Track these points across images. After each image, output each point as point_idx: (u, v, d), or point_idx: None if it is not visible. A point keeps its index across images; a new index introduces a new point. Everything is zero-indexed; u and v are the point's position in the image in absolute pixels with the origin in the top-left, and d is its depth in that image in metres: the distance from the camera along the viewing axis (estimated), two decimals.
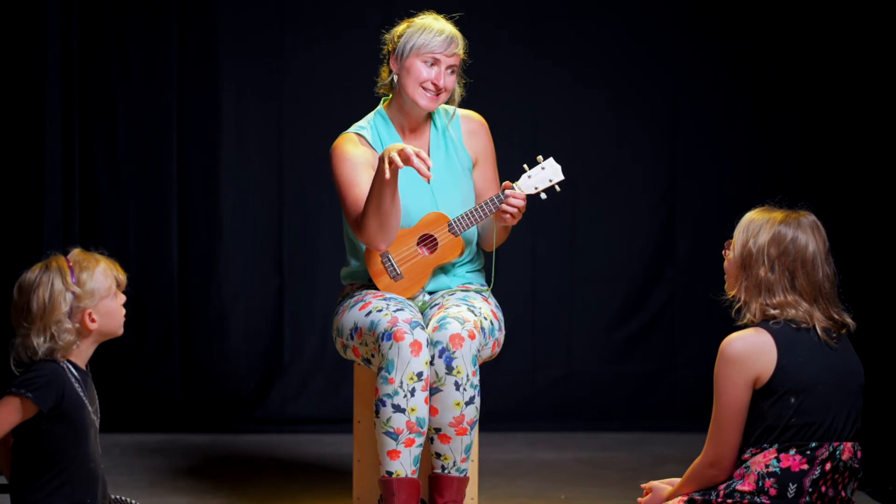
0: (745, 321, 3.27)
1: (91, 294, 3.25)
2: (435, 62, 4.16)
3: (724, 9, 6.03)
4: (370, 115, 4.30)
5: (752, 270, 3.26)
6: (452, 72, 4.18)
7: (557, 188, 4.18)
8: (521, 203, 4.11)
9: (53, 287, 3.23)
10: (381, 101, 4.33)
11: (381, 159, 3.88)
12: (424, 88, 4.18)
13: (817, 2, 5.92)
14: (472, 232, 4.26)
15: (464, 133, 4.31)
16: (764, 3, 6.00)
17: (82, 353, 3.29)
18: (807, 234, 3.27)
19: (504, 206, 4.10)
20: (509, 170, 4.34)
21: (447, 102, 4.27)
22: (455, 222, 4.14)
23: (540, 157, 4.16)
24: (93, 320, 3.26)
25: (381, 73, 4.29)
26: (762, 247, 3.25)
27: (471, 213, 4.12)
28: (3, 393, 3.20)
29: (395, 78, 4.21)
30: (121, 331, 3.33)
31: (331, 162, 4.19)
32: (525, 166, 4.17)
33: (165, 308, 5.96)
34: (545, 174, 4.15)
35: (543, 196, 4.18)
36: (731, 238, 3.33)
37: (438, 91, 4.17)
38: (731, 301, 3.34)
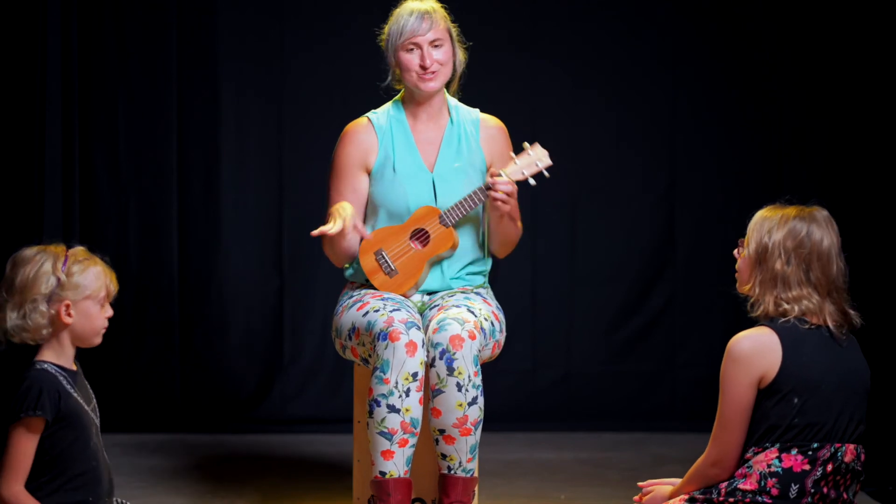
0: (759, 314, 3.27)
1: (76, 287, 3.22)
2: (416, 46, 4.18)
3: (724, 9, 6.02)
4: (388, 104, 4.34)
5: (767, 264, 3.25)
6: (438, 45, 4.19)
7: (546, 173, 4.17)
8: (510, 188, 4.10)
9: (42, 267, 3.22)
10: (401, 92, 4.36)
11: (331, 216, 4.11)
12: (419, 75, 4.20)
13: (817, 2, 5.92)
14: (470, 230, 4.27)
15: (482, 136, 4.32)
16: (763, 4, 6.00)
17: (62, 352, 3.26)
18: (822, 229, 3.28)
19: (492, 193, 4.10)
20: None
21: (452, 74, 4.27)
22: (445, 213, 4.14)
23: (526, 144, 4.17)
24: (69, 315, 3.23)
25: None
26: (778, 241, 3.25)
27: (460, 203, 4.13)
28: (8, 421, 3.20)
29: (397, 72, 4.25)
30: (97, 341, 3.29)
31: (335, 148, 4.29)
32: (511, 153, 4.18)
33: (165, 307, 5.95)
34: (531, 159, 4.14)
35: (532, 182, 4.17)
36: (742, 237, 3.33)
37: (431, 70, 4.18)
38: (742, 298, 3.34)
